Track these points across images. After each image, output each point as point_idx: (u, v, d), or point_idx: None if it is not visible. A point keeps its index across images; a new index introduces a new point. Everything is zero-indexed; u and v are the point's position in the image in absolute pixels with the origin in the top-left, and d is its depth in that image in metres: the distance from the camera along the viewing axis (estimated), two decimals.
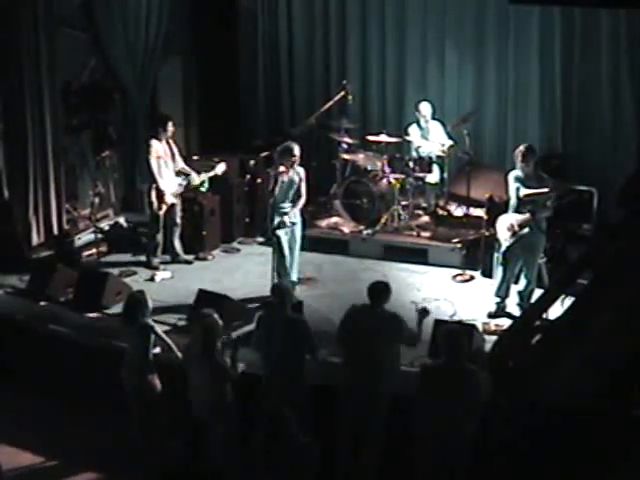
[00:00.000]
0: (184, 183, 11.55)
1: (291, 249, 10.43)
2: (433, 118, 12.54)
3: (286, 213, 10.26)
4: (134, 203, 13.32)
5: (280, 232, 10.29)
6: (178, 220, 11.68)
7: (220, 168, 11.68)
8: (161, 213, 11.41)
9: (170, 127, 11.43)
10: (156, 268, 11.48)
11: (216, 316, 7.87)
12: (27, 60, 11.39)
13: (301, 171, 10.36)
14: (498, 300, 10.07)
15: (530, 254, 9.88)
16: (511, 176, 9.81)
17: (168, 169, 11.44)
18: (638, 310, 6.88)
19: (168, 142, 11.47)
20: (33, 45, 11.43)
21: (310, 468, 6.35)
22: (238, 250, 12.39)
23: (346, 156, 12.76)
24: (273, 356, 7.94)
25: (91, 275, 10.77)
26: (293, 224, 10.39)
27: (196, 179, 11.57)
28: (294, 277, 10.51)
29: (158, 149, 11.32)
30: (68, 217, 12.24)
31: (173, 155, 11.52)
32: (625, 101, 12.01)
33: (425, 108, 12.46)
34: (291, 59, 14.29)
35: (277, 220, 10.21)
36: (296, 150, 10.22)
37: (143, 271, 11.44)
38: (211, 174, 11.68)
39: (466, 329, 8.66)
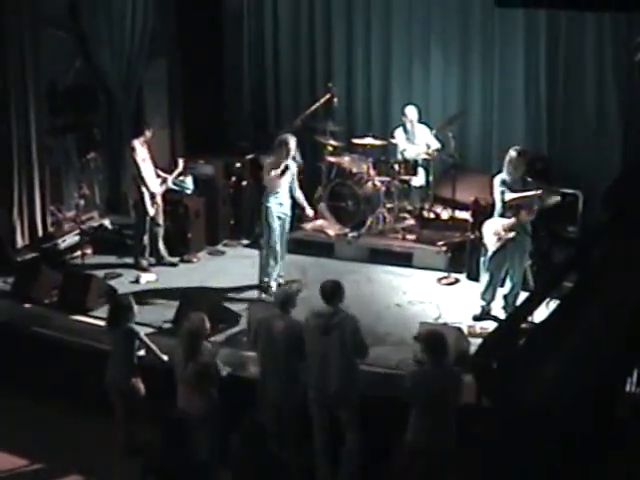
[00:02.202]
0: (163, 186, 11.59)
1: (281, 242, 10.68)
2: (419, 121, 12.55)
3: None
4: (119, 205, 13.30)
5: (274, 223, 10.49)
6: (161, 221, 11.68)
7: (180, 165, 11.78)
8: (152, 214, 11.43)
9: (149, 131, 11.54)
10: (145, 269, 11.48)
11: (202, 317, 7.86)
12: (12, 61, 11.36)
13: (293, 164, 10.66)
14: (484, 303, 10.09)
15: (516, 257, 9.88)
16: (497, 180, 9.82)
17: (151, 171, 11.48)
18: (623, 311, 6.88)
19: (148, 144, 11.50)
20: (18, 46, 11.39)
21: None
22: (223, 252, 12.38)
23: (331, 159, 12.75)
24: (270, 358, 7.96)
25: (76, 277, 10.75)
26: (286, 215, 10.69)
27: (170, 183, 11.68)
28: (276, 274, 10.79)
29: (141, 152, 11.35)
30: (53, 219, 12.21)
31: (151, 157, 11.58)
32: (610, 104, 12.00)
33: (411, 112, 12.43)
34: (277, 61, 14.27)
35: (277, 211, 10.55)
36: (291, 141, 10.41)
37: (128, 273, 11.42)
38: (175, 174, 11.72)
39: (450, 332, 8.67)
